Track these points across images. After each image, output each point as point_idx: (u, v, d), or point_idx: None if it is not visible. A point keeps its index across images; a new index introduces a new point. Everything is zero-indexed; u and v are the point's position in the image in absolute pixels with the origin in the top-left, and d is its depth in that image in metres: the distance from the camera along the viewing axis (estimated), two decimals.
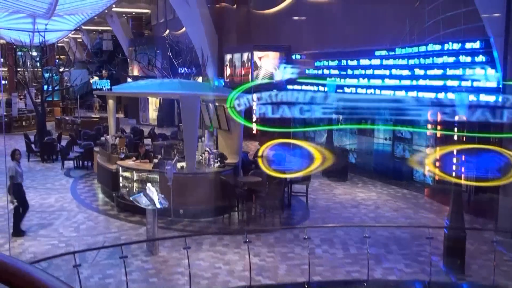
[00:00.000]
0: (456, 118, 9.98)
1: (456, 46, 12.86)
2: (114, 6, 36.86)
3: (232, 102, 8.41)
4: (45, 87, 38.25)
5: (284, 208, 13.19)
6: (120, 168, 13.36)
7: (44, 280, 1.48)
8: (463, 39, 12.73)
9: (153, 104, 32.64)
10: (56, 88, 39.79)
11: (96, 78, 47.56)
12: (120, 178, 13.45)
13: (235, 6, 25.68)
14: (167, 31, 36.35)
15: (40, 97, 23.21)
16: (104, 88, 13.51)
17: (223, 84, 25.42)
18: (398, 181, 16.05)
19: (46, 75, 39.94)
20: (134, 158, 13.82)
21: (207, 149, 14.90)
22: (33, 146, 21.24)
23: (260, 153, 10.15)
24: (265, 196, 12.01)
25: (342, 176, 17.03)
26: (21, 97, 62.96)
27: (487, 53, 12.15)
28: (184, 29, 28.49)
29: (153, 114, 32.79)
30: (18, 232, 11.12)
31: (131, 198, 10.26)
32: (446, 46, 13.32)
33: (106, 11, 38.36)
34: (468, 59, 12.73)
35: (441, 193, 14.48)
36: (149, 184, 10.28)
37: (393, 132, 16.50)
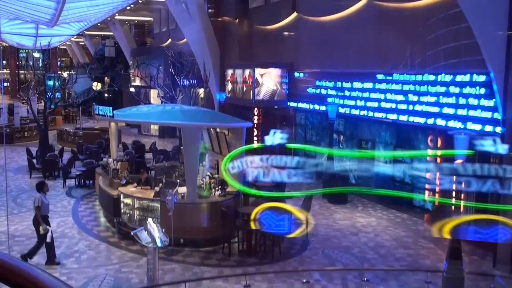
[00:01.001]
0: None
1: (459, 78, 12.95)
2: (117, 14, 36.96)
3: (227, 165, 8.55)
4: (49, 94, 38.52)
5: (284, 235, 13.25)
6: (122, 195, 13.45)
7: (42, 278, 1.52)
8: (462, 71, 12.80)
9: (155, 101, 32.66)
10: (58, 95, 40.29)
11: (98, 84, 47.78)
12: (122, 204, 13.53)
13: (237, 20, 25.74)
14: (169, 41, 36.47)
15: (43, 110, 23.23)
16: (106, 115, 13.58)
17: (225, 98, 25.55)
18: (398, 205, 16.13)
19: (50, 82, 40.28)
20: (135, 184, 13.92)
21: (208, 173, 15.01)
22: (34, 161, 21.35)
23: (252, 217, 10.29)
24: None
25: (342, 198, 17.11)
26: (23, 101, 63.24)
27: (487, 86, 12.23)
28: (186, 39, 28.59)
29: (154, 131, 32.89)
30: (52, 260, 11.27)
31: (132, 234, 10.34)
32: (439, 78, 13.46)
33: (109, 18, 38.46)
34: (466, 90, 12.85)
35: (441, 220, 14.55)
36: (150, 220, 10.37)
37: (394, 156, 16.55)
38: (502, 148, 7.19)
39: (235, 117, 14.37)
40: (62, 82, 36.25)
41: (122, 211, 13.53)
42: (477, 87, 12.53)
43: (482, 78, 12.22)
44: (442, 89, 13.56)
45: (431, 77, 13.76)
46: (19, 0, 27.24)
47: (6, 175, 19.56)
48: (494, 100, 12.21)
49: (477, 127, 12.75)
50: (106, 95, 47.82)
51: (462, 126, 13.14)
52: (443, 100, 13.68)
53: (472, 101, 12.75)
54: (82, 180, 18.71)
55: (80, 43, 64.17)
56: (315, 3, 20.09)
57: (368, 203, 16.95)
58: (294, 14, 21.48)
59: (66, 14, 30.99)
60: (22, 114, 34.06)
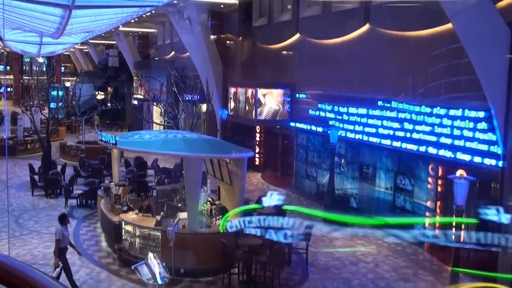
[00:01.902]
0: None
1: (458, 112, 13.03)
2: (121, 25, 37.14)
3: (224, 225, 8.69)
4: (52, 105, 38.67)
5: (284, 265, 13.30)
6: (123, 222, 13.51)
7: (40, 280, 1.55)
8: (462, 106, 12.88)
9: (157, 128, 32.78)
10: (61, 104, 40.42)
11: (101, 94, 47.93)
12: (123, 231, 13.60)
13: (240, 38, 25.87)
14: (173, 53, 36.63)
15: (46, 127, 23.31)
16: (109, 142, 13.68)
17: (227, 116, 25.65)
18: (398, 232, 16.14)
19: (53, 92, 40.49)
20: (137, 211, 13.99)
21: (210, 198, 15.08)
22: (37, 177, 21.44)
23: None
24: (265, 261, 12.12)
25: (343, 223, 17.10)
26: (27, 108, 63.40)
27: (488, 121, 12.30)
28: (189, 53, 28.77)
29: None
30: None
31: (132, 268, 10.41)
32: (442, 111, 13.56)
33: (113, 29, 38.65)
34: (466, 124, 12.93)
35: (441, 250, 14.59)
36: (151, 254, 10.42)
37: (395, 183, 16.60)
38: (505, 218, 7.23)
39: (237, 145, 14.41)
40: (66, 99, 36.35)
41: (123, 237, 13.59)
42: (478, 122, 12.61)
43: (482, 114, 12.30)
44: (446, 122, 13.65)
45: (439, 111, 13.79)
46: (24, 14, 27.46)
47: (8, 193, 19.69)
48: (494, 134, 12.29)
49: (477, 159, 12.86)
50: (109, 104, 48.01)
51: (462, 157, 13.26)
52: (441, 130, 13.85)
53: (473, 134, 12.85)
54: (84, 200, 18.79)
55: (84, 50, 64.32)
56: (318, 26, 20.19)
57: (368, 228, 16.95)
58: (297, 35, 21.58)
59: (71, 27, 31.20)
60: (26, 124, 34.14)
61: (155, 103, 23.89)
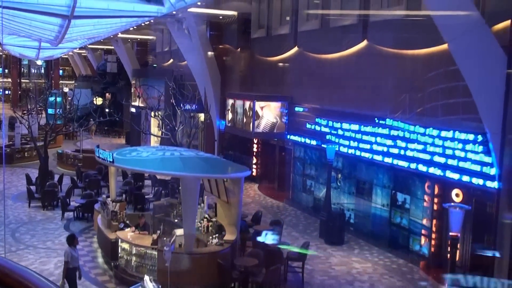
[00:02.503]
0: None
1: (452, 134, 13.10)
2: (119, 32, 37.20)
3: None
4: (50, 111, 38.65)
5: (280, 283, 13.32)
6: (119, 239, 13.53)
7: (35, 281, 1.56)
8: (456, 128, 12.96)
9: (155, 132, 32.79)
10: (59, 111, 40.41)
11: (100, 99, 47.96)
12: (119, 249, 13.61)
13: (238, 49, 25.93)
14: (171, 61, 36.67)
15: (44, 139, 23.29)
16: (106, 159, 13.70)
17: (225, 126, 25.69)
18: (394, 249, 16.20)
19: (51, 99, 40.48)
20: (133, 228, 14.01)
21: (206, 215, 15.12)
22: (34, 188, 21.45)
23: None
24: (261, 281, 12.15)
25: (339, 239, 17.15)
26: (24, 112, 63.41)
27: (483, 143, 12.37)
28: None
29: (154, 143, 32.94)
30: None
31: None
32: (439, 133, 13.63)
33: (112, 36, 38.70)
34: (460, 145, 13.02)
35: (437, 269, 14.64)
36: (146, 277, 10.44)
37: (391, 199, 16.65)
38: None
39: (234, 163, 14.44)
40: (64, 105, 36.33)
41: (119, 255, 13.61)
42: (472, 144, 12.69)
43: (473, 136, 12.39)
44: (438, 142, 13.74)
45: (432, 131, 13.91)
46: (23, 22, 27.50)
47: (5, 204, 19.69)
48: (489, 157, 12.36)
49: (473, 180, 12.94)
50: (107, 110, 47.98)
51: (457, 177, 13.34)
52: (434, 150, 13.97)
53: (465, 155, 12.97)
54: (80, 213, 18.79)
55: (83, 54, 64.31)
56: (316, 40, 20.27)
57: (364, 245, 17.02)
58: (296, 48, 21.65)
59: (70, 35, 31.26)
60: (23, 131, 34.07)
61: (153, 115, 23.89)
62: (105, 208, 15.34)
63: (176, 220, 15.67)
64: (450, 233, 10.58)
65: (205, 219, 14.74)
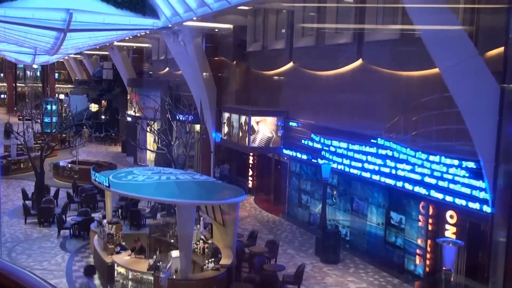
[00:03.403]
0: None
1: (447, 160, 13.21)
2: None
3: None
4: (46, 119, 38.57)
5: None
6: (116, 263, 13.58)
7: (32, 282, 1.59)
8: (447, 154, 13.07)
9: (151, 146, 32.84)
10: (54, 119, 40.41)
11: (96, 106, 47.93)
12: (115, 272, 13.66)
13: (234, 62, 25.98)
14: (167, 69, 36.69)
15: (39, 155, 23.27)
16: (102, 184, 13.76)
17: (221, 139, 25.74)
18: (390, 268, 16.30)
19: (48, 107, 40.44)
20: (129, 252, 14.06)
21: (202, 237, 15.18)
22: (29, 203, 21.49)
23: None
24: None
25: (334, 257, 17.22)
26: (20, 117, 63.29)
27: (477, 172, 12.48)
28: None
29: (150, 155, 32.97)
30: None
31: None
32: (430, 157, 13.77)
33: (107, 44, 38.70)
34: (453, 170, 13.14)
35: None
36: None
37: (386, 219, 16.74)
38: None
39: (230, 185, 14.51)
40: (60, 113, 36.29)
41: (115, 279, 13.66)
42: (464, 171, 12.84)
43: (471, 164, 12.51)
44: (428, 165, 13.89)
45: (421, 155, 14.07)
46: (19, 32, 27.49)
47: (1, 221, 19.69)
48: (482, 182, 12.47)
49: (466, 203, 13.06)
50: (103, 117, 47.98)
51: (450, 199, 13.47)
52: (423, 172, 14.17)
53: (452, 177, 13.16)
54: (76, 231, 18.81)
55: (78, 58, 64.18)
56: (311, 57, 20.34)
57: (360, 263, 17.11)
58: (291, 64, 21.73)
59: (66, 44, 31.28)
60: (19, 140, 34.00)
61: (148, 130, 23.93)
62: (101, 229, 15.39)
63: (172, 241, 15.76)
64: (444, 268, 10.67)
65: (201, 241, 14.81)
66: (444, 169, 13.43)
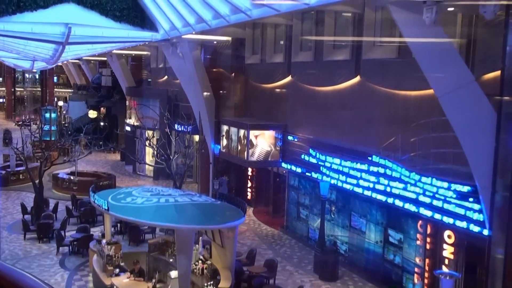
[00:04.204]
0: None
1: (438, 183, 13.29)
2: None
3: None
4: (46, 127, 38.62)
5: None
6: (115, 286, 13.63)
7: (29, 283, 1.61)
8: (445, 179, 13.14)
9: (149, 155, 32.89)
10: (53, 128, 40.43)
11: (94, 112, 47.94)
12: None
13: (233, 74, 26.02)
14: (165, 77, 36.73)
15: (39, 169, 23.29)
16: (101, 206, 13.80)
17: (219, 152, 25.79)
18: (388, 286, 16.36)
19: (46, 115, 40.48)
20: (128, 274, 14.11)
21: (201, 257, 15.23)
22: (29, 217, 21.54)
23: None
24: None
25: (333, 275, 17.27)
26: (19, 123, 63.34)
27: (474, 195, 12.54)
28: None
29: (149, 166, 33.02)
30: None
31: None
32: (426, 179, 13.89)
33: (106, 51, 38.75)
34: (450, 194, 13.22)
35: None
36: None
37: (384, 236, 16.79)
38: None
39: (229, 205, 14.57)
40: (59, 121, 36.30)
41: None
42: (454, 193, 12.95)
43: (460, 187, 12.65)
44: (426, 187, 13.97)
45: (415, 176, 14.16)
46: (19, 43, 27.54)
47: (0, 237, 19.75)
48: (478, 204, 12.54)
49: (464, 225, 13.14)
50: (101, 123, 48.02)
51: (446, 220, 13.55)
52: (417, 190, 14.32)
53: (444, 197, 13.28)
54: (75, 248, 18.84)
55: (77, 63, 64.15)
56: (309, 72, 20.39)
57: (358, 280, 17.16)
58: (289, 78, 21.78)
59: (66, 55, 31.36)
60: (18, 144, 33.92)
61: (147, 144, 23.98)
62: (100, 248, 15.43)
63: (171, 260, 15.78)
64: None
65: (200, 261, 14.85)
66: (435, 189, 13.59)
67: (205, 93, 26.55)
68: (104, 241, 15.49)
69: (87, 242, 18.08)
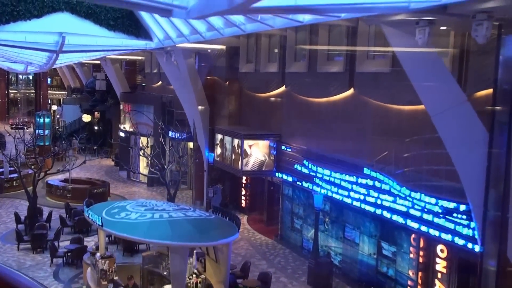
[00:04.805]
0: None
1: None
2: None
3: None
4: (40, 131, 38.50)
5: None
6: None
7: (23, 282, 1.63)
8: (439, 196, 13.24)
9: (143, 161, 32.88)
10: (47, 132, 40.28)
11: (88, 116, 47.86)
12: None
13: (227, 82, 26.06)
14: (160, 83, 36.71)
15: (32, 180, 23.22)
16: (95, 222, 13.82)
17: (213, 160, 25.83)
18: None
19: (40, 120, 40.35)
20: None
21: (195, 271, 15.27)
22: (22, 226, 21.51)
23: None
24: None
25: (326, 286, 17.34)
26: (13, 126, 63.07)
27: (467, 213, 12.64)
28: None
29: (143, 171, 32.97)
30: None
31: None
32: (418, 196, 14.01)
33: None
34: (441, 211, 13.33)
35: None
36: None
37: (378, 248, 16.88)
38: None
39: (224, 220, 14.61)
40: (52, 125, 36.13)
41: None
42: (440, 209, 13.08)
43: (446, 203, 12.81)
44: (415, 202, 14.09)
45: (406, 191, 14.28)
46: (13, 51, 27.47)
47: None
48: (472, 222, 12.64)
49: (456, 240, 13.25)
50: (96, 127, 47.95)
51: (450, 238, 13.65)
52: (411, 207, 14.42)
53: (436, 211, 13.40)
54: (69, 259, 18.82)
55: (71, 66, 63.94)
56: (303, 83, 20.45)
57: None
58: (283, 87, 21.84)
59: (60, 61, 31.32)
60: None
61: (141, 153, 23.98)
62: (95, 261, 15.43)
63: (165, 273, 15.81)
64: None
65: (194, 275, 14.89)
66: (422, 204, 13.74)
67: (199, 101, 26.59)
68: (98, 254, 15.49)
69: (81, 253, 18.07)
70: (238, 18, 15.23)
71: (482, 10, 9.32)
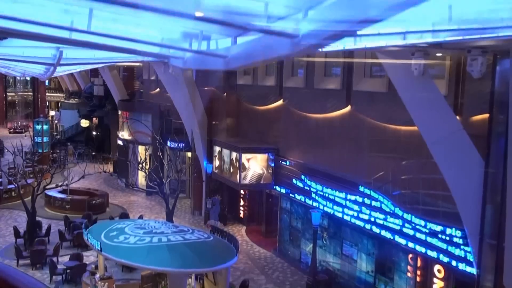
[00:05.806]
0: None
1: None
2: None
3: None
4: (38, 138, 38.55)
5: None
6: None
7: (22, 280, 1.68)
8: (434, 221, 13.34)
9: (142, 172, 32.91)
10: (45, 139, 40.30)
11: (86, 121, 47.88)
12: None
13: (225, 94, 26.11)
14: (157, 90, 36.72)
15: (31, 193, 23.27)
16: (94, 247, 13.89)
17: (212, 172, 25.89)
18: None
19: (38, 127, 40.36)
20: None
21: None
22: (21, 241, 21.57)
23: None
24: None
25: None
26: (11, 131, 63.01)
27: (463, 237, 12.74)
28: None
29: (142, 179, 33.07)
30: None
31: None
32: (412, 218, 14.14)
33: None
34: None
35: None
36: None
37: (375, 266, 16.98)
38: None
39: (223, 242, 14.70)
40: (51, 132, 36.07)
41: None
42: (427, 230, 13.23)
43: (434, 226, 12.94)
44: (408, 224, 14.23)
45: (399, 212, 14.42)
46: (10, 63, 27.47)
47: None
48: (467, 246, 12.74)
49: (452, 262, 13.37)
50: (94, 133, 47.93)
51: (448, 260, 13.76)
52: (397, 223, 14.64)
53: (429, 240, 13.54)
54: (69, 276, 18.89)
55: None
56: (300, 98, 20.50)
57: None
58: (281, 101, 21.89)
59: (57, 73, 31.32)
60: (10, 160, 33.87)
61: (139, 167, 24.04)
62: (94, 283, 15.51)
63: None
64: None
65: None
66: (413, 225, 13.92)
67: (197, 112, 26.63)
68: (97, 275, 15.57)
69: (80, 271, 18.15)
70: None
71: (477, 46, 9.38)
